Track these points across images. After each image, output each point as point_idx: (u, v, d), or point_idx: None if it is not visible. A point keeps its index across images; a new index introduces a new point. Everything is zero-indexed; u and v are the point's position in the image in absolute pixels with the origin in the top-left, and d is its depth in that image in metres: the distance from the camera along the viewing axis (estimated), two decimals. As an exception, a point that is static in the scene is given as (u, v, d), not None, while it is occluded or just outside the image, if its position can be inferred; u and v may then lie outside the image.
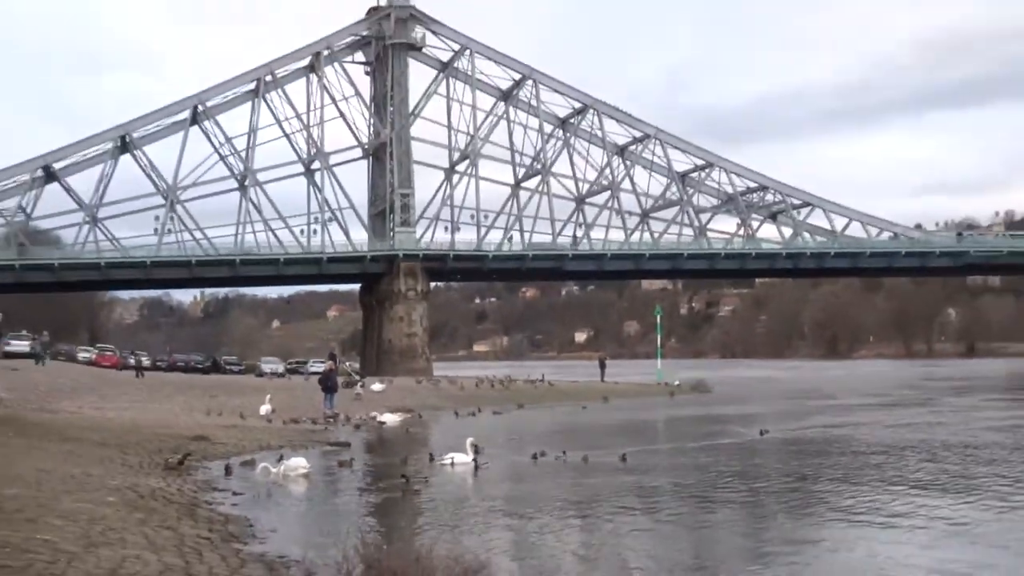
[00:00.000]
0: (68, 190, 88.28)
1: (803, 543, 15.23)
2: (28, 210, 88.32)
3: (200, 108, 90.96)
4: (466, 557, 12.21)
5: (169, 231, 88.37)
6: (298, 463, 22.92)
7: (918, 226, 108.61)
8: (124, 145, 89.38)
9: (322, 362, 60.31)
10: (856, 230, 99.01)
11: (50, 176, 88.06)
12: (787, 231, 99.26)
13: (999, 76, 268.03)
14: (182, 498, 18.31)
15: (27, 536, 12.19)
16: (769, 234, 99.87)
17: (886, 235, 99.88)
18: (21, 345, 61.87)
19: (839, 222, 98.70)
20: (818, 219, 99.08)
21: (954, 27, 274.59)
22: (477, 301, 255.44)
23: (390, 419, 38.47)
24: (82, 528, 13.63)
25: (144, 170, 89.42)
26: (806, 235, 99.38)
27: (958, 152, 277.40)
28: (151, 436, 28.22)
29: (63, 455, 22.14)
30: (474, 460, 24.30)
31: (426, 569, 11.49)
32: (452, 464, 24.33)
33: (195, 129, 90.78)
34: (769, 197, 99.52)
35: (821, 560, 13.95)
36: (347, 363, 73.68)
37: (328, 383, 41.87)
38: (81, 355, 71.49)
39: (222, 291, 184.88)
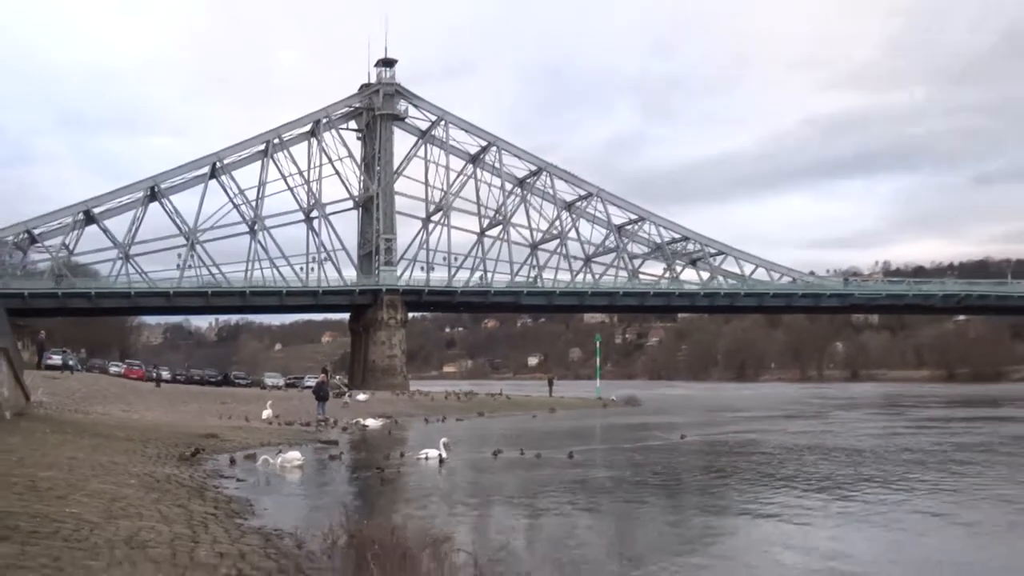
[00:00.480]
0: (105, 231, 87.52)
1: (718, 526, 15.09)
2: (71, 247, 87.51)
3: (218, 164, 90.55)
4: (434, 530, 11.94)
5: (189, 267, 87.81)
6: (293, 456, 22.51)
7: (812, 273, 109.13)
8: (153, 194, 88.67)
9: (316, 377, 59.65)
10: (761, 275, 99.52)
11: (90, 219, 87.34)
12: (705, 275, 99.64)
13: (876, 153, 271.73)
14: (193, 483, 17.91)
15: (57, 509, 11.87)
16: (690, 277, 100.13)
17: (786, 279, 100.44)
18: (58, 359, 60.94)
19: (747, 268, 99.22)
20: (730, 265, 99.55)
21: (843, 111, 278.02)
22: (447, 330, 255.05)
23: (372, 423, 38.03)
24: (105, 504, 13.26)
25: (169, 215, 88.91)
26: (720, 278, 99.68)
27: (846, 213, 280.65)
28: (169, 434, 27.69)
29: (92, 447, 21.64)
30: (439, 455, 23.95)
31: (400, 538, 11.19)
32: (426, 458, 23.99)
33: (213, 182, 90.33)
34: (690, 246, 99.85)
35: (735, 539, 13.79)
36: (337, 377, 72.94)
37: (320, 393, 41.38)
38: (112, 369, 70.32)
39: (233, 318, 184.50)
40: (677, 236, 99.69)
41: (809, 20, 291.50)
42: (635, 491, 19.38)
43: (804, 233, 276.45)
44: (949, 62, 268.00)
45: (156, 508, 13.88)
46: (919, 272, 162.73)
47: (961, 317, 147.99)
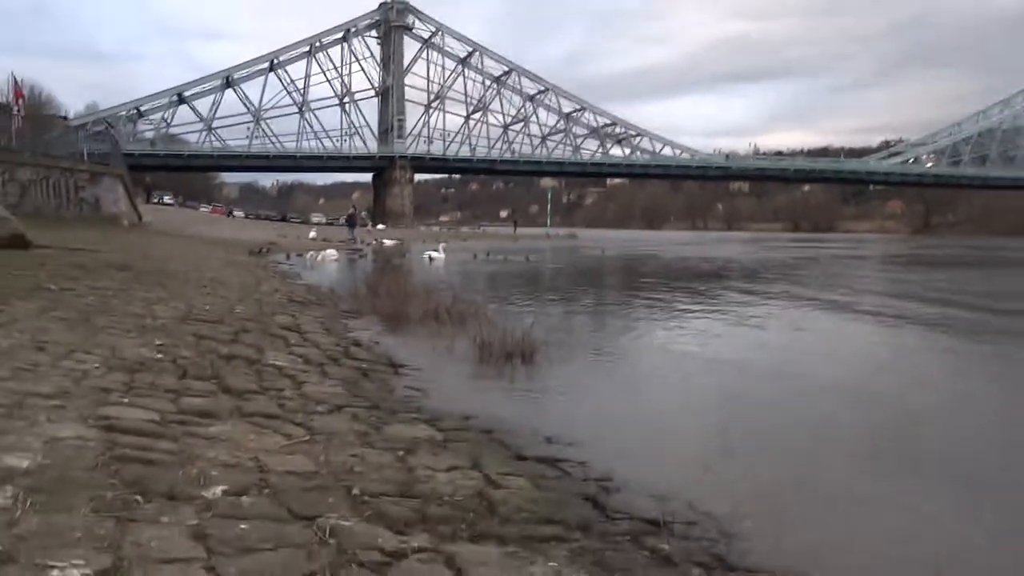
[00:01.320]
0: (193, 109, 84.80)
1: (624, 300, 15.39)
2: (168, 121, 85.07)
3: (275, 61, 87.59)
4: (429, 286, 12.12)
5: (256, 137, 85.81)
6: (331, 253, 22.61)
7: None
8: (228, 82, 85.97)
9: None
10: (668, 152, 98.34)
11: (182, 100, 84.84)
12: (627, 151, 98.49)
13: (761, 67, 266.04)
14: (258, 264, 18.00)
15: (161, 265, 11.99)
16: (617, 152, 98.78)
17: (685, 155, 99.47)
18: (166, 198, 60.25)
19: (658, 147, 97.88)
20: (646, 144, 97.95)
21: (738, 35, 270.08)
22: (442, 190, 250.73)
23: (388, 242, 37.99)
24: (195, 265, 13.39)
25: (241, 99, 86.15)
26: (638, 154, 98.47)
27: (733, 111, 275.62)
28: (241, 242, 27.62)
29: (187, 244, 21.64)
30: (430, 255, 23.86)
31: (404, 286, 11.40)
32: (428, 256, 24.02)
33: (272, 75, 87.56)
34: (618, 129, 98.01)
35: (637, 309, 14.07)
36: (364, 213, 72.36)
37: (351, 221, 41.10)
38: (201, 208, 69.52)
39: (289, 178, 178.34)
40: (609, 122, 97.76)
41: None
42: (570, 277, 19.75)
43: (702, 125, 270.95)
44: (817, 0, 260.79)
45: (232, 270, 14.01)
46: (779, 154, 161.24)
47: (807, 186, 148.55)
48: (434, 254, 23.98)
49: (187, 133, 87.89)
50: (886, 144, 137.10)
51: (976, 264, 29.26)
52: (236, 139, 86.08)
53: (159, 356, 4.74)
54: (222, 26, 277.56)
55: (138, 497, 2.44)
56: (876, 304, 13.14)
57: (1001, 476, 4.16)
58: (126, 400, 3.60)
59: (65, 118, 66.65)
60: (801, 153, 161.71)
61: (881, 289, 16.86)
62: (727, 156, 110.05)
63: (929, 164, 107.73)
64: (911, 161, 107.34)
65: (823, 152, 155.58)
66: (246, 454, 3.12)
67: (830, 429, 5.08)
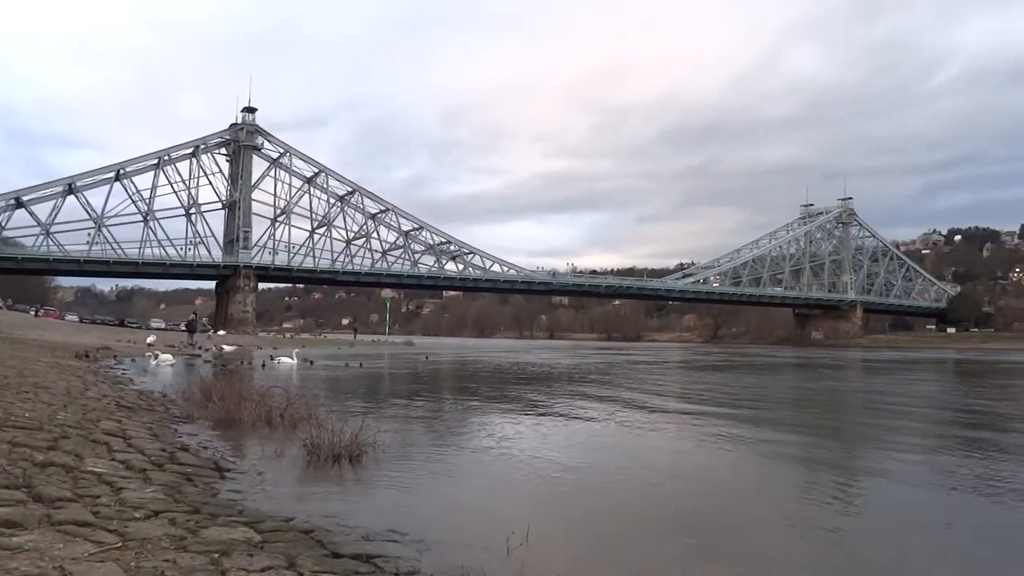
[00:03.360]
0: (31, 213, 78.39)
1: (461, 401, 15.47)
2: (3, 224, 77.79)
3: (122, 171, 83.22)
4: (265, 389, 11.65)
5: (96, 243, 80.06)
6: (166, 357, 21.22)
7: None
8: (71, 189, 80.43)
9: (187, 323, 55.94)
10: (497, 268, 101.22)
11: (19, 204, 78.21)
12: (461, 267, 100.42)
13: (579, 198, 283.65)
14: (90, 368, 16.59)
15: (-22, 371, 10.77)
16: (451, 268, 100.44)
17: (512, 272, 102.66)
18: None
19: (488, 263, 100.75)
20: (478, 261, 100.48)
21: (559, 170, 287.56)
22: (286, 298, 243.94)
23: (228, 348, 36.12)
24: (18, 371, 12.18)
25: (83, 206, 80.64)
26: (471, 269, 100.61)
27: (554, 234, 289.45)
28: (72, 345, 25.39)
29: (13, 349, 19.58)
30: (279, 360, 23.17)
31: (237, 390, 10.90)
32: (279, 361, 23.09)
33: (117, 184, 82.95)
34: (453, 247, 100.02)
35: (465, 410, 14.16)
36: (204, 319, 68.62)
37: (191, 327, 39.09)
38: (31, 312, 63.42)
39: (129, 283, 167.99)
40: (444, 240, 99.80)
41: (545, 111, 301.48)
42: (403, 380, 19.60)
43: (527, 245, 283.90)
44: (627, 145, 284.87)
45: (59, 375, 12.85)
46: (593, 272, 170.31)
47: (617, 301, 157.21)
48: (285, 359, 23.19)
49: (23, 236, 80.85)
50: (681, 266, 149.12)
51: (736, 368, 32.18)
52: (75, 244, 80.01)
53: (-35, 466, 4.29)
54: (81, 137, 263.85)
55: (-77, 613, 2.21)
56: (647, 403, 14.02)
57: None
58: (-79, 513, 3.25)
59: None
60: (612, 272, 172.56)
61: (657, 389, 17.99)
62: (552, 273, 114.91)
63: (715, 284, 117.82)
64: (702, 281, 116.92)
65: (630, 272, 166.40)
66: (51, 563, 2.89)
67: (612, 510, 5.36)
